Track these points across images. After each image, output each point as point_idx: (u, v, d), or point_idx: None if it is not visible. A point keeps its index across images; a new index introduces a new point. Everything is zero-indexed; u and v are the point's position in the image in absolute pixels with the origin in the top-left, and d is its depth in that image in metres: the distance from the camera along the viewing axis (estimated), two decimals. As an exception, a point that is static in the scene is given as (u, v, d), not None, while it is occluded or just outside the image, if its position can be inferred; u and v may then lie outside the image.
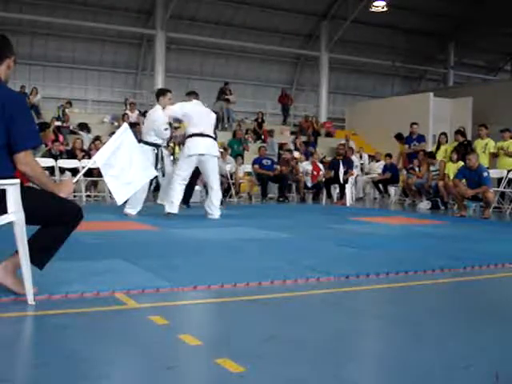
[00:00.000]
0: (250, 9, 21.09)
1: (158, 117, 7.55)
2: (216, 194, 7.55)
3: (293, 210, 10.89)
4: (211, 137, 7.59)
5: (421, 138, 12.89)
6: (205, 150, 7.41)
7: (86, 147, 12.91)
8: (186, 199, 9.37)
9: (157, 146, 7.60)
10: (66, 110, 16.14)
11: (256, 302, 3.02)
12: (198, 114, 7.53)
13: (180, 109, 7.59)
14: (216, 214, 7.49)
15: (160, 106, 7.62)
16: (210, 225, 6.77)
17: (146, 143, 7.54)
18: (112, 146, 3.25)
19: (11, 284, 2.78)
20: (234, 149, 13.88)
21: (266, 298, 3.09)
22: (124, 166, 3.26)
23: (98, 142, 12.26)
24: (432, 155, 11.52)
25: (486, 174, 8.83)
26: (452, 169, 10.47)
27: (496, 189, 10.15)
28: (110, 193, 11.55)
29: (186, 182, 7.57)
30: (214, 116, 8.00)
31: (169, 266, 3.83)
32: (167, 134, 7.68)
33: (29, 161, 2.71)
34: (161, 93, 7.82)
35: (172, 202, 7.37)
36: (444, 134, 12.22)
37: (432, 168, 11.43)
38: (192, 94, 7.89)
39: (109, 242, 5.02)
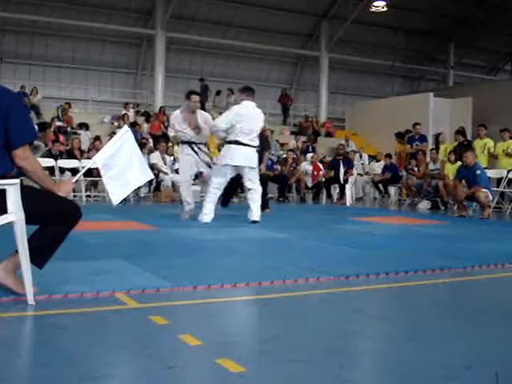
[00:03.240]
0: (249, 9, 21.08)
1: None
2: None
3: (293, 210, 10.89)
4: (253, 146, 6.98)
5: (422, 139, 13.00)
6: (244, 162, 6.90)
7: (85, 146, 12.91)
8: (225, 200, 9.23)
9: (189, 142, 7.30)
10: (66, 110, 16.13)
11: (256, 302, 3.02)
12: (248, 120, 6.91)
13: (228, 121, 6.87)
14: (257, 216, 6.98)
15: (187, 109, 7.32)
16: (210, 225, 6.76)
17: (182, 142, 7.42)
18: (112, 147, 3.26)
19: (11, 284, 2.78)
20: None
21: (266, 298, 3.09)
22: (122, 168, 3.29)
23: (97, 142, 12.26)
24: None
25: (479, 171, 8.81)
26: (451, 169, 10.47)
27: (496, 189, 10.15)
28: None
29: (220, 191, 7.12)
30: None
31: (169, 265, 3.83)
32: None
33: (27, 156, 2.72)
34: (186, 97, 7.50)
35: (206, 214, 6.87)
36: (441, 133, 12.41)
37: (432, 167, 11.46)
38: (247, 92, 7.20)
39: (109, 242, 5.02)
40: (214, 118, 7.87)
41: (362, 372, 2.07)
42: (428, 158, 12.08)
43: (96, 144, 12.06)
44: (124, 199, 3.42)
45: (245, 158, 6.89)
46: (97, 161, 3.23)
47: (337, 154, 12.77)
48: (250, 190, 7.03)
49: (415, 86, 26.32)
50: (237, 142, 6.83)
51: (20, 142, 2.70)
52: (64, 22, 18.59)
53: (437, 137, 12.61)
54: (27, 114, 2.91)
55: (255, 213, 6.93)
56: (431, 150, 12.10)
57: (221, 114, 9.45)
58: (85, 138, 14.23)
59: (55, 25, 18.98)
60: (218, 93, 18.86)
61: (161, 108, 17.14)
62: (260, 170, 7.86)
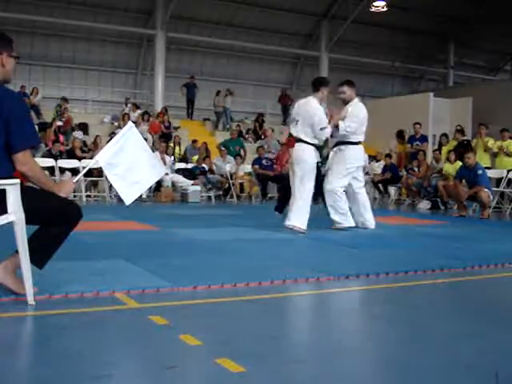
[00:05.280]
0: (249, 9, 21.07)
1: (316, 111, 6.05)
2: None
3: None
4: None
5: (423, 139, 13.02)
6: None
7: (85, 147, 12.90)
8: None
9: (315, 146, 6.24)
10: (66, 109, 16.07)
11: (256, 302, 3.02)
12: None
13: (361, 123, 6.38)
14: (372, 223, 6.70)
15: (317, 98, 6.17)
16: (210, 225, 6.77)
17: (307, 143, 6.17)
18: (115, 145, 3.16)
19: (11, 284, 2.78)
20: (230, 149, 13.75)
21: (265, 298, 3.09)
22: (130, 166, 3.17)
23: (99, 139, 12.25)
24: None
25: (480, 171, 8.80)
26: (450, 169, 10.47)
27: (496, 189, 10.14)
28: (110, 193, 11.50)
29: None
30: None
31: (169, 265, 3.83)
32: (326, 133, 6.15)
33: (27, 161, 2.71)
34: (323, 82, 6.29)
35: (342, 214, 6.49)
36: (445, 135, 12.36)
37: (436, 166, 11.49)
38: (353, 85, 6.50)
39: (109, 242, 5.02)
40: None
41: (363, 372, 2.07)
42: (429, 159, 12.09)
43: (97, 143, 12.08)
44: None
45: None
46: (99, 160, 3.13)
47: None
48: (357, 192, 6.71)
49: (415, 85, 26.31)
50: (360, 143, 6.53)
51: (21, 146, 2.69)
52: (64, 21, 18.58)
53: (440, 138, 12.60)
54: (29, 117, 2.88)
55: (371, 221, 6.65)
56: (434, 151, 12.09)
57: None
58: (79, 140, 14.17)
59: (55, 25, 18.97)
60: (218, 93, 18.90)
61: (163, 108, 17.12)
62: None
